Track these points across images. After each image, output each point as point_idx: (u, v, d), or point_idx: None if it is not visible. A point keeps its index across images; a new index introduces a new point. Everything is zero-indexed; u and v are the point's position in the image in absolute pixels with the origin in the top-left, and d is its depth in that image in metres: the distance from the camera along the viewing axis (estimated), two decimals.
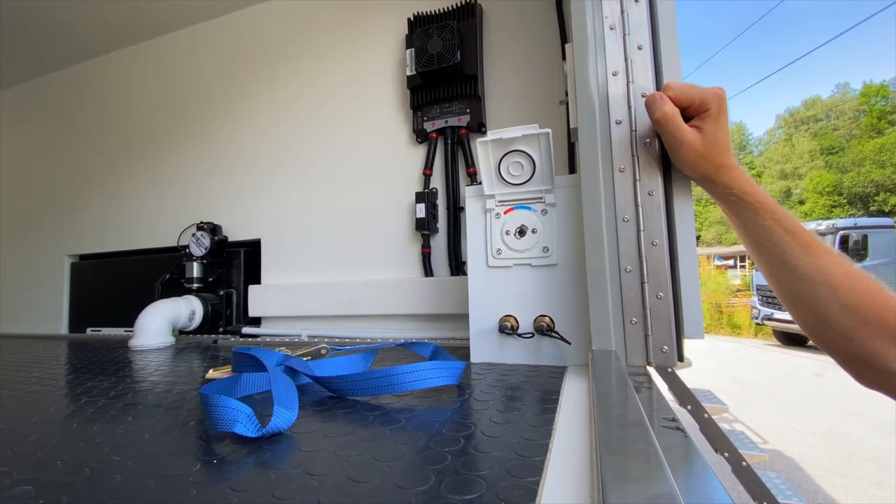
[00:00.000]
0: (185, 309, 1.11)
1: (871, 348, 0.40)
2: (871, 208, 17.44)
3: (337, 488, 0.26)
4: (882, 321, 0.39)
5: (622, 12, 0.56)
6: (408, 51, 1.05)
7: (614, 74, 0.55)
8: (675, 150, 0.49)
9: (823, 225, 7.07)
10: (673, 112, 0.47)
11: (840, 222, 7.09)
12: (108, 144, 1.55)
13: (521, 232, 0.63)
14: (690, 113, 0.48)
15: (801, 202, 19.84)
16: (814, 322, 0.44)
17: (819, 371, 4.95)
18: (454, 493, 0.25)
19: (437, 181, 1.07)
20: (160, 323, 1.02)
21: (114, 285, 1.46)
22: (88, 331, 1.47)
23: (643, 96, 0.53)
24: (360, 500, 0.25)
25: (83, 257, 1.59)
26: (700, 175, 0.49)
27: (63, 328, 1.54)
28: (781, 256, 0.45)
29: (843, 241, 6.72)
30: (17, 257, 1.70)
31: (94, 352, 0.92)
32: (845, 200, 18.50)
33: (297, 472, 0.29)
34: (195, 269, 1.22)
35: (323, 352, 0.68)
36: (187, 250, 1.22)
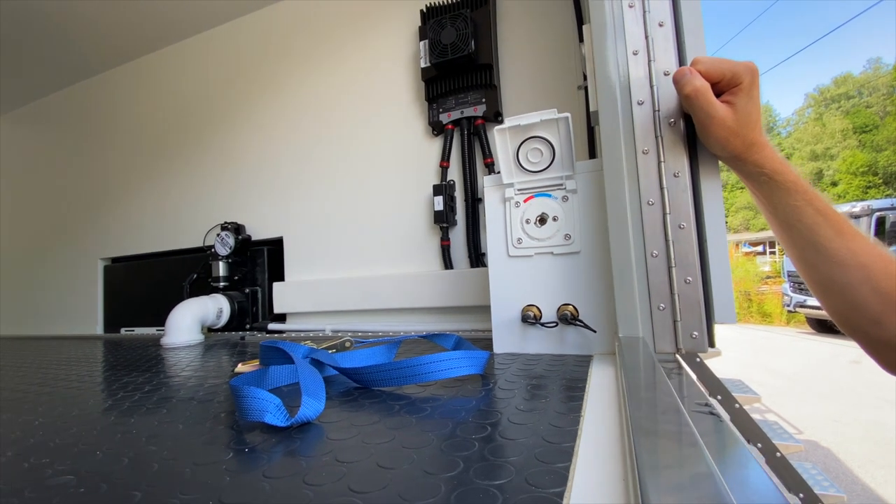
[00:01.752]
0: (213, 307, 1.14)
1: None
2: None
3: (366, 474, 0.26)
4: None
5: None
6: (421, 42, 1.04)
7: (635, 54, 0.53)
8: (706, 126, 0.46)
9: (858, 207, 6.76)
10: (704, 87, 0.45)
11: (876, 203, 6.77)
12: (134, 151, 1.60)
13: (542, 220, 0.62)
14: (721, 88, 0.46)
15: (834, 184, 19.03)
16: (844, 306, 0.44)
17: (856, 359, 4.75)
18: (483, 479, 0.25)
19: (455, 173, 1.06)
20: (190, 321, 1.05)
21: (145, 286, 1.51)
22: (122, 331, 1.53)
23: (666, 74, 0.51)
24: (389, 486, 0.25)
25: (115, 260, 1.65)
26: (730, 153, 0.47)
27: (98, 329, 1.61)
28: (812, 238, 0.43)
29: (880, 223, 6.41)
30: (54, 262, 1.77)
31: (129, 350, 0.96)
32: (881, 180, 17.65)
33: (326, 459, 0.29)
34: (221, 269, 1.25)
35: (347, 344, 0.69)
36: (213, 250, 1.25)
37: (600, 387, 0.43)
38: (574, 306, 0.59)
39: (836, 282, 0.43)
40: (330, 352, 0.60)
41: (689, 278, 0.49)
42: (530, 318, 0.59)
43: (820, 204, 0.43)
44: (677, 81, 0.47)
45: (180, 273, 1.36)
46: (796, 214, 0.44)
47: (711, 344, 0.49)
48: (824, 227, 0.43)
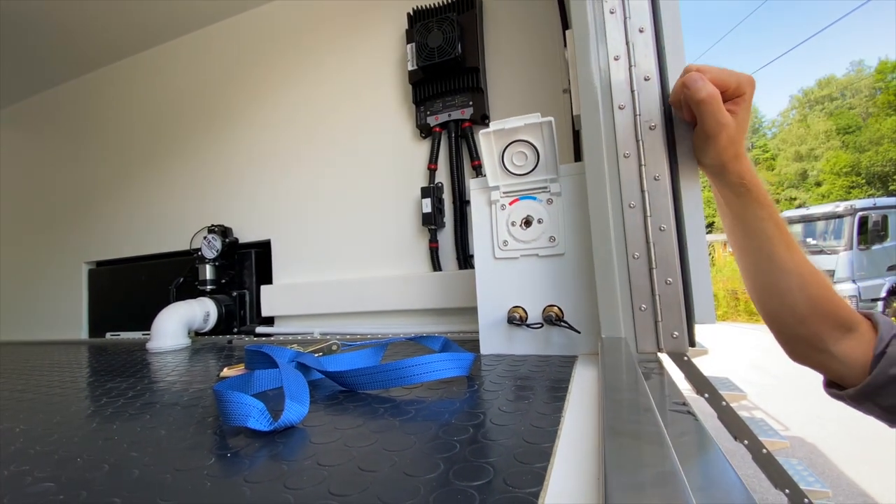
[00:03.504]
0: (200, 311, 1.13)
1: (818, 332, 0.48)
2: (891, 187, 16.94)
3: (347, 477, 0.27)
4: (829, 311, 0.47)
5: None
6: (408, 46, 1.04)
7: (616, 59, 0.54)
8: (714, 134, 0.45)
9: (842, 206, 6.90)
10: (717, 93, 0.44)
11: (858, 203, 6.91)
12: (117, 153, 1.58)
13: (527, 222, 0.62)
14: (725, 98, 0.46)
15: (818, 184, 19.37)
16: (778, 307, 0.51)
17: None
18: (462, 480, 0.25)
19: (443, 175, 1.07)
20: (176, 325, 1.04)
21: (130, 290, 1.49)
22: (108, 335, 1.51)
23: (646, 80, 0.52)
24: (369, 488, 0.25)
25: (100, 264, 1.62)
26: (720, 161, 0.47)
27: (83, 333, 1.58)
28: (768, 248, 0.49)
29: (863, 223, 6.55)
30: (37, 266, 1.74)
31: (114, 355, 0.95)
32: (864, 181, 18.01)
33: (308, 463, 0.29)
34: (208, 272, 1.24)
35: (334, 348, 0.69)
36: (199, 253, 1.24)
37: (582, 388, 0.43)
38: (559, 307, 0.59)
39: (777, 286, 0.50)
40: (316, 355, 0.60)
41: (670, 279, 0.50)
42: (516, 319, 0.60)
43: (778, 219, 0.49)
44: (690, 86, 0.45)
45: (167, 276, 1.35)
46: (761, 226, 0.49)
47: (692, 343, 0.50)
48: (779, 239, 0.48)
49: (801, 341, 0.51)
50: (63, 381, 0.67)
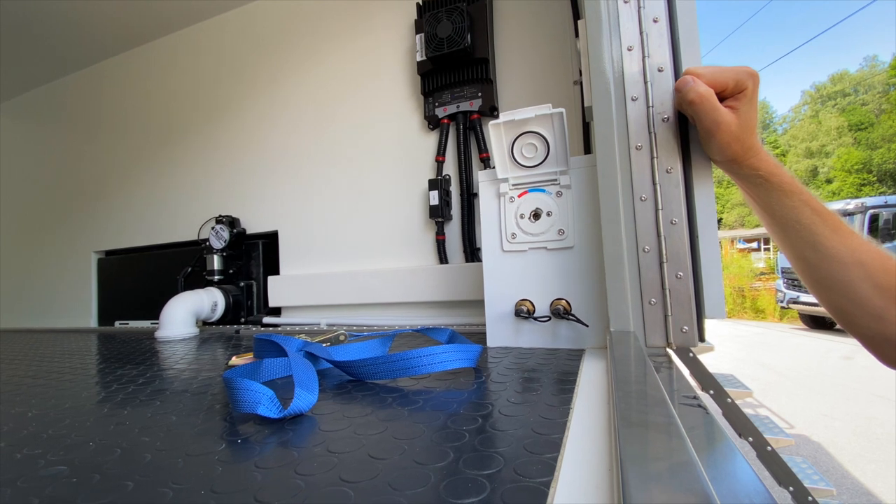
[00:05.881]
0: (208, 300, 1.14)
1: None
2: None
3: (357, 465, 0.27)
4: None
5: None
6: (417, 36, 1.04)
7: (629, 50, 0.53)
8: (711, 132, 0.46)
9: (852, 204, 6.80)
10: (708, 92, 0.45)
11: (870, 201, 6.80)
12: (127, 142, 1.59)
13: (536, 215, 0.62)
14: (725, 96, 0.46)
15: (829, 181, 19.11)
16: (845, 304, 0.44)
17: (848, 354, 4.81)
18: (472, 469, 0.25)
19: (450, 168, 1.06)
20: (184, 314, 1.05)
21: (139, 279, 1.50)
22: (117, 324, 1.52)
23: (660, 71, 0.51)
24: (379, 475, 0.25)
25: (109, 253, 1.64)
26: (728, 157, 0.47)
27: (93, 322, 1.60)
28: (811, 238, 0.44)
29: (874, 221, 6.46)
30: (47, 254, 1.76)
31: (123, 343, 0.96)
32: (875, 178, 17.75)
33: (318, 450, 0.30)
34: (216, 262, 1.24)
35: (342, 338, 0.69)
36: (208, 243, 1.25)
37: (591, 380, 0.43)
38: (567, 301, 0.59)
39: (835, 279, 0.43)
40: (324, 345, 0.60)
41: (681, 273, 0.50)
42: (524, 312, 0.60)
43: (815, 204, 0.44)
44: (680, 89, 0.47)
45: (175, 266, 1.36)
46: (794, 215, 0.45)
47: (701, 338, 0.50)
48: (821, 226, 0.44)
49: (886, 342, 0.42)
50: (74, 368, 0.68)
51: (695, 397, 0.33)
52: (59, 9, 1.33)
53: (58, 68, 1.71)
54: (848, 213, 6.82)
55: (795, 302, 6.36)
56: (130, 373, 0.61)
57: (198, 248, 1.31)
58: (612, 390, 0.30)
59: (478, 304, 0.95)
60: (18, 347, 0.99)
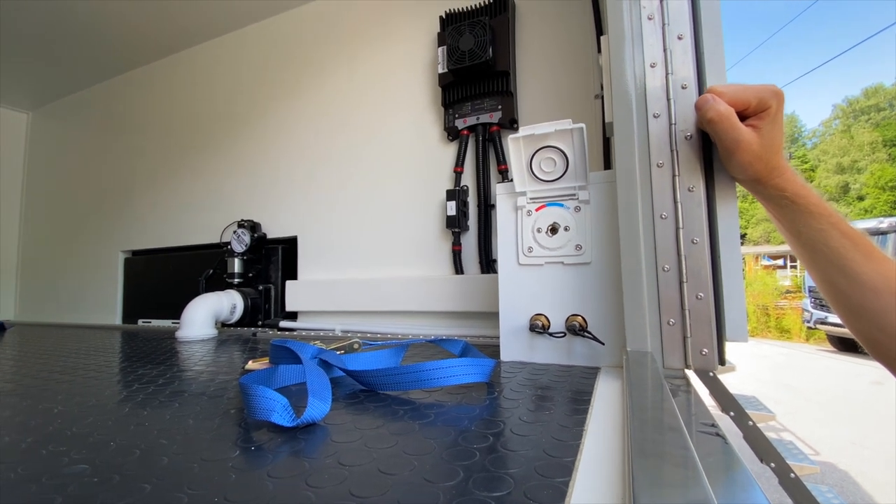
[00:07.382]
0: (227, 303, 1.16)
1: None
2: None
3: (368, 479, 0.27)
4: None
5: (661, 1, 0.54)
6: (439, 48, 1.05)
7: (652, 66, 0.53)
8: (731, 151, 0.45)
9: (886, 223, 6.54)
10: (728, 111, 0.44)
11: None
12: (157, 148, 1.64)
13: (554, 230, 0.62)
14: (747, 114, 0.45)
15: (861, 198, 18.45)
16: (877, 334, 0.42)
17: (878, 380, 4.60)
18: (482, 490, 0.25)
19: (468, 179, 1.06)
20: (204, 316, 1.07)
21: (162, 279, 1.55)
22: (140, 322, 1.57)
23: (684, 88, 0.51)
24: (389, 492, 0.25)
25: (136, 253, 1.69)
26: (751, 177, 0.46)
27: (117, 319, 1.65)
28: (840, 262, 0.43)
29: None
30: (77, 253, 1.83)
31: (145, 342, 0.98)
32: None
33: (329, 461, 0.30)
34: (236, 265, 1.27)
35: (356, 346, 0.69)
36: (229, 247, 1.28)
37: (606, 401, 0.42)
38: (583, 317, 0.58)
39: (867, 308, 0.42)
40: (338, 353, 0.61)
41: (701, 294, 0.48)
42: (538, 327, 0.59)
43: (845, 227, 0.43)
44: (699, 108, 0.47)
45: (197, 268, 1.39)
46: (822, 238, 0.43)
47: (721, 362, 0.49)
48: (852, 251, 0.42)
49: None
50: (98, 365, 0.70)
51: (713, 425, 0.33)
52: (94, 17, 1.39)
53: (93, 76, 1.78)
54: (881, 232, 6.56)
55: (823, 322, 6.14)
56: (151, 372, 0.63)
57: (219, 251, 1.34)
58: (628, 416, 0.30)
59: (492, 316, 0.95)
60: (49, 342, 1.03)
